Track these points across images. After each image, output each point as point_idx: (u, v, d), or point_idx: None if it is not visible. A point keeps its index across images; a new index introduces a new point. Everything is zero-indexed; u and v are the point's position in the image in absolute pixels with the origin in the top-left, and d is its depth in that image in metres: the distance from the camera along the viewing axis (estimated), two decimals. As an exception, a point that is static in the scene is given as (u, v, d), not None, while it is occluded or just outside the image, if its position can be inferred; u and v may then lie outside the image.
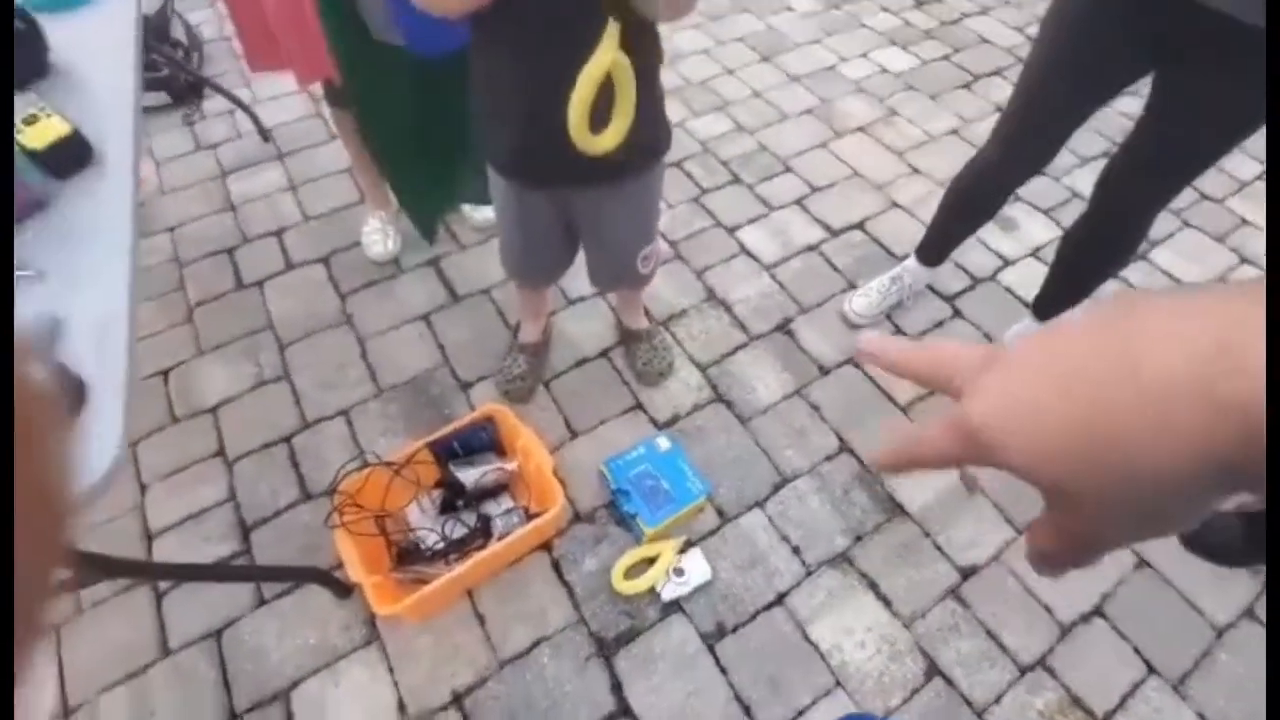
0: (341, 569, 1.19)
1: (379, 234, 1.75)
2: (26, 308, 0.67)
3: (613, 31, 0.64)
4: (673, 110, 2.16)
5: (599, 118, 0.74)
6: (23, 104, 0.85)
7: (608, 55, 0.65)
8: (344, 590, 1.22)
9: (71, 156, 0.82)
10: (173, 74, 2.13)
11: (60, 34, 1.02)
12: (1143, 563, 1.29)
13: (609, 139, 0.74)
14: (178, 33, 2.27)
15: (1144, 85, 1.11)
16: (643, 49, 0.81)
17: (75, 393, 0.60)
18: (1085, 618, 1.23)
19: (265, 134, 2.07)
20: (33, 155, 0.80)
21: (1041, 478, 0.21)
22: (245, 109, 2.06)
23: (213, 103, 2.17)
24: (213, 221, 1.86)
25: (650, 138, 1.05)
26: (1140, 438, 0.18)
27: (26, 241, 0.74)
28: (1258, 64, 0.91)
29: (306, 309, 1.67)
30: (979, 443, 0.22)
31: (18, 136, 0.80)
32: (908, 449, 0.26)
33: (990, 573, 1.28)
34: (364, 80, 1.29)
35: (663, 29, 0.91)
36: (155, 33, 2.14)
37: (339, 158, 1.99)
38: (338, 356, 1.58)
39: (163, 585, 1.24)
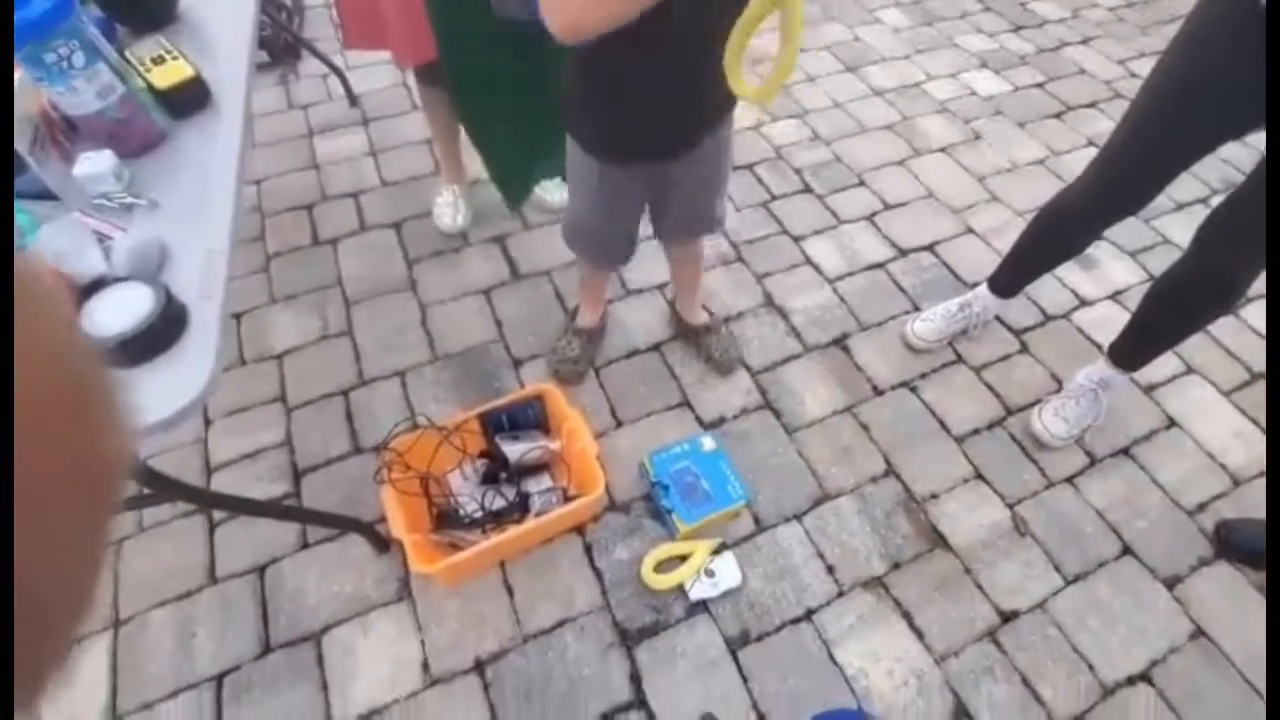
0: (382, 523, 1.23)
1: (450, 206, 1.79)
2: (139, 233, 0.71)
3: None
4: (749, 114, 2.15)
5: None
6: (152, 45, 0.90)
7: None
8: (383, 544, 1.25)
9: (191, 98, 0.87)
10: (274, 34, 2.22)
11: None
12: (1200, 632, 1.22)
13: (769, 90, 0.73)
14: (283, -4, 2.37)
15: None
16: None
17: (178, 319, 0.63)
18: (1131, 680, 1.17)
19: (354, 99, 2.14)
20: (158, 94, 0.85)
21: None
22: (339, 74, 2.13)
23: (307, 65, 2.26)
24: (296, 178, 1.94)
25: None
26: None
27: (145, 173, 0.79)
28: None
29: (375, 271, 1.72)
30: None
31: (146, 75, 0.85)
32: None
33: (1032, 620, 1.23)
34: (463, 56, 1.31)
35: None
36: (263, -7, 2.24)
37: (419, 129, 2.04)
38: (399, 319, 1.62)
39: (217, 516, 1.30)
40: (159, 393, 0.61)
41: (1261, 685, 1.17)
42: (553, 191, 1.83)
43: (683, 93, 0.90)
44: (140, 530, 1.28)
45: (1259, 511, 1.35)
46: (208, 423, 1.43)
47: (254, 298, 1.65)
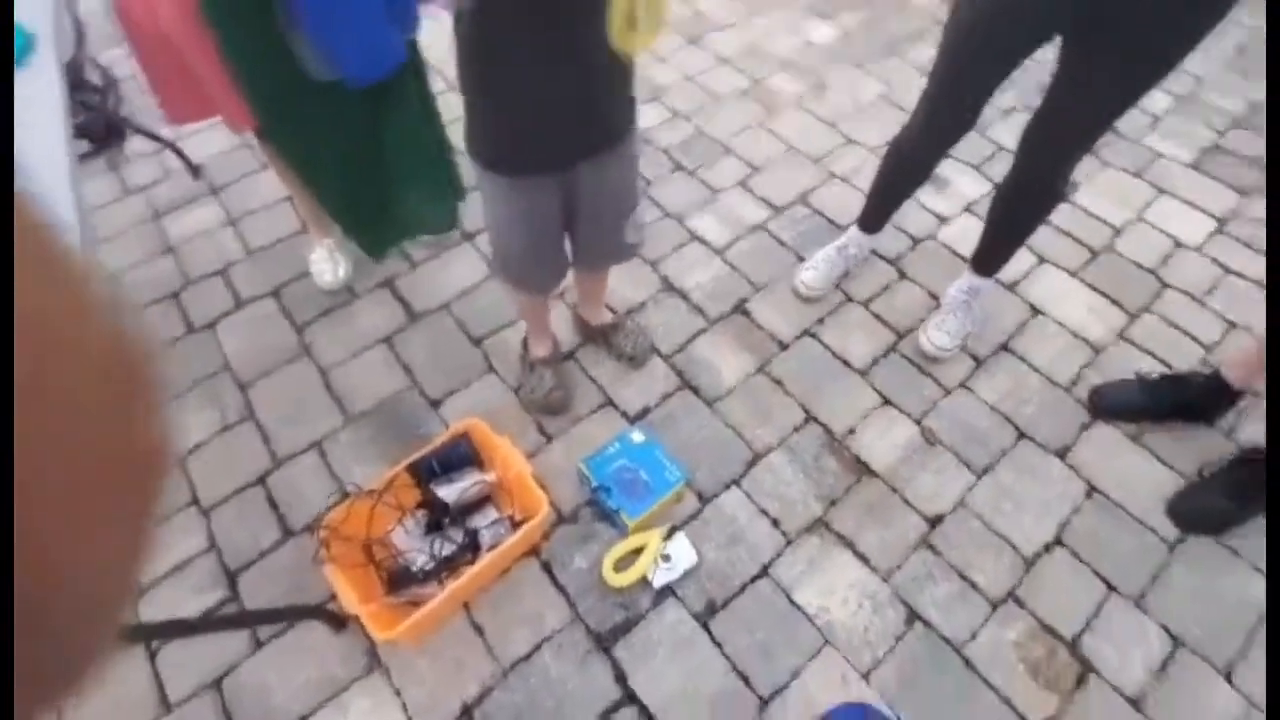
0: (334, 601, 1.21)
1: (327, 262, 1.73)
2: None
3: None
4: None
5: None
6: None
7: None
8: (339, 623, 1.23)
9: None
10: (91, 119, 2.05)
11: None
12: (1093, 490, 1.38)
13: (648, 36, 0.81)
14: (91, 76, 2.19)
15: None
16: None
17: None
18: (1047, 548, 1.32)
19: (194, 170, 2.02)
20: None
21: None
22: (171, 146, 2.00)
23: (135, 143, 2.10)
24: (153, 267, 1.82)
25: (631, 93, 1.07)
26: None
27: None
28: (1166, 10, 0.98)
29: (262, 346, 1.64)
30: None
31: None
32: None
33: (955, 518, 1.36)
34: (285, 119, 1.28)
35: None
36: (70, 79, 2.06)
37: (276, 187, 1.94)
38: (300, 390, 1.57)
39: (155, 641, 1.23)
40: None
41: (1154, 523, 1.33)
42: None
43: (573, 91, 0.93)
44: (73, 680, 1.20)
45: (1121, 374, 1.53)
46: (120, 548, 1.35)
47: (138, 405, 1.55)
